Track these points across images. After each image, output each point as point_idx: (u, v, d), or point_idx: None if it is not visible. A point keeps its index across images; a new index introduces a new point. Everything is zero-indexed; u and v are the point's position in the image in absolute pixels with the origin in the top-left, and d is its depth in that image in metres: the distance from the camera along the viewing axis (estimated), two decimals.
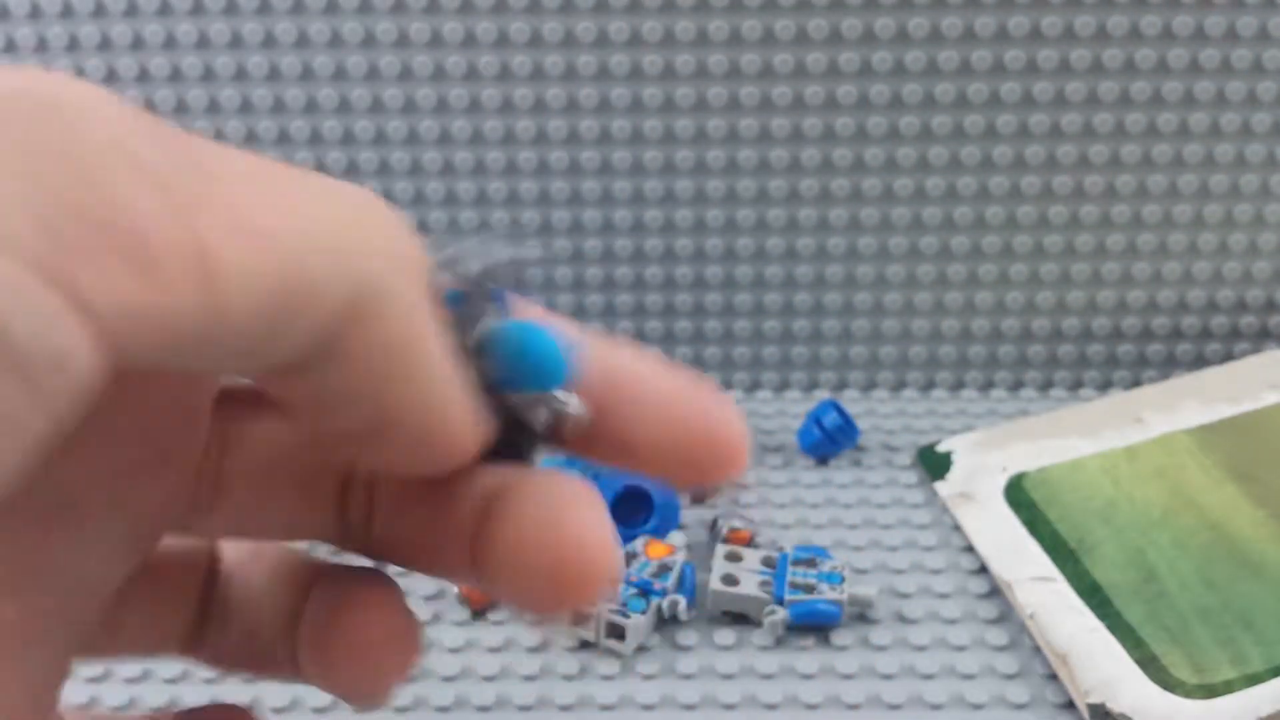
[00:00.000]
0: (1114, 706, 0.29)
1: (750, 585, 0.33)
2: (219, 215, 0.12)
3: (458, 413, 0.14)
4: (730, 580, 0.33)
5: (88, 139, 0.11)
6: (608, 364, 0.16)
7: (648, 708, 0.30)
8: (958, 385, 0.45)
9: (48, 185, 0.11)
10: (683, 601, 0.32)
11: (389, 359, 0.13)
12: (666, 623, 0.33)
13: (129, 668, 0.32)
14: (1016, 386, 0.45)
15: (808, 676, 0.31)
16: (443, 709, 0.30)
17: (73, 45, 0.41)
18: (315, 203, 0.13)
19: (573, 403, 0.15)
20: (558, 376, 0.15)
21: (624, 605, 0.32)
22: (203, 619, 0.17)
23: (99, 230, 0.11)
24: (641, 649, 0.32)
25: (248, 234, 0.12)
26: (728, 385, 0.45)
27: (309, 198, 0.13)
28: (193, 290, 0.11)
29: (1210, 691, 0.29)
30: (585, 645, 0.32)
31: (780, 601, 0.32)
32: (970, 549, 0.36)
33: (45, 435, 0.11)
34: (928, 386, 0.46)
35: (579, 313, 0.44)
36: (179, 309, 0.11)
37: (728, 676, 0.31)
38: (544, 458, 0.15)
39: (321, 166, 0.42)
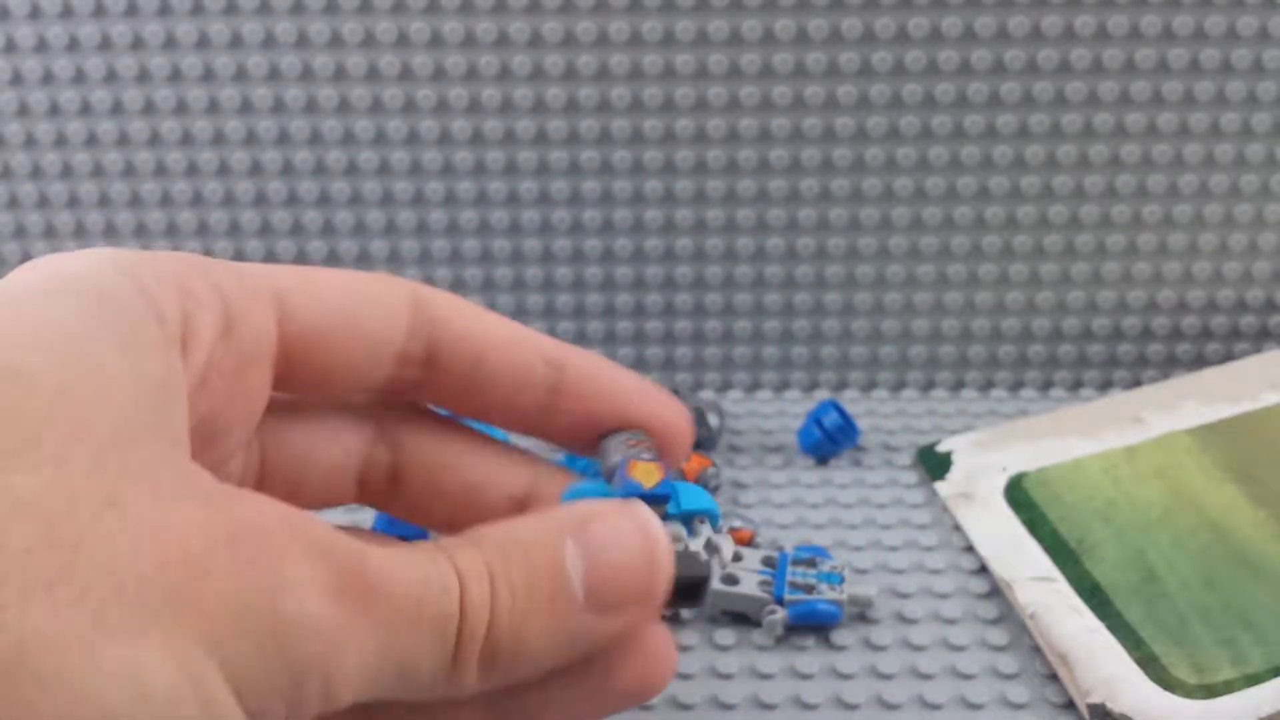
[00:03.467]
0: (1114, 706, 0.29)
1: (750, 585, 0.33)
2: (349, 685, 0.17)
3: None
4: (730, 580, 0.33)
5: (297, 646, 0.17)
6: (589, 364, 0.24)
7: (648, 708, 0.30)
8: (958, 385, 0.46)
9: (275, 685, 0.17)
10: None
11: None
12: (666, 622, 0.33)
13: None
14: (1016, 386, 0.45)
15: (808, 676, 0.31)
16: None
17: (73, 45, 0.41)
18: (417, 644, 0.18)
19: (725, 546, 0.23)
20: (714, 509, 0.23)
21: None
22: None
23: (283, 703, 0.17)
24: None
25: (361, 692, 0.18)
26: (728, 385, 0.45)
27: (412, 642, 0.18)
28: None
29: (1210, 691, 0.29)
30: None
31: (780, 601, 0.32)
32: (970, 549, 0.36)
33: None
34: (928, 386, 0.46)
35: (580, 313, 0.44)
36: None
37: (727, 676, 0.31)
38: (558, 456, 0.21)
39: (321, 167, 0.42)
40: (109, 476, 0.16)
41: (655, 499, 0.22)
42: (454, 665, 0.19)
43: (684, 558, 0.22)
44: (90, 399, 0.17)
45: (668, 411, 0.25)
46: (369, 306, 0.23)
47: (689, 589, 0.23)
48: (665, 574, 0.20)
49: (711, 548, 0.23)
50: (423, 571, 0.18)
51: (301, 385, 0.23)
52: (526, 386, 0.24)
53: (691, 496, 0.23)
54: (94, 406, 0.17)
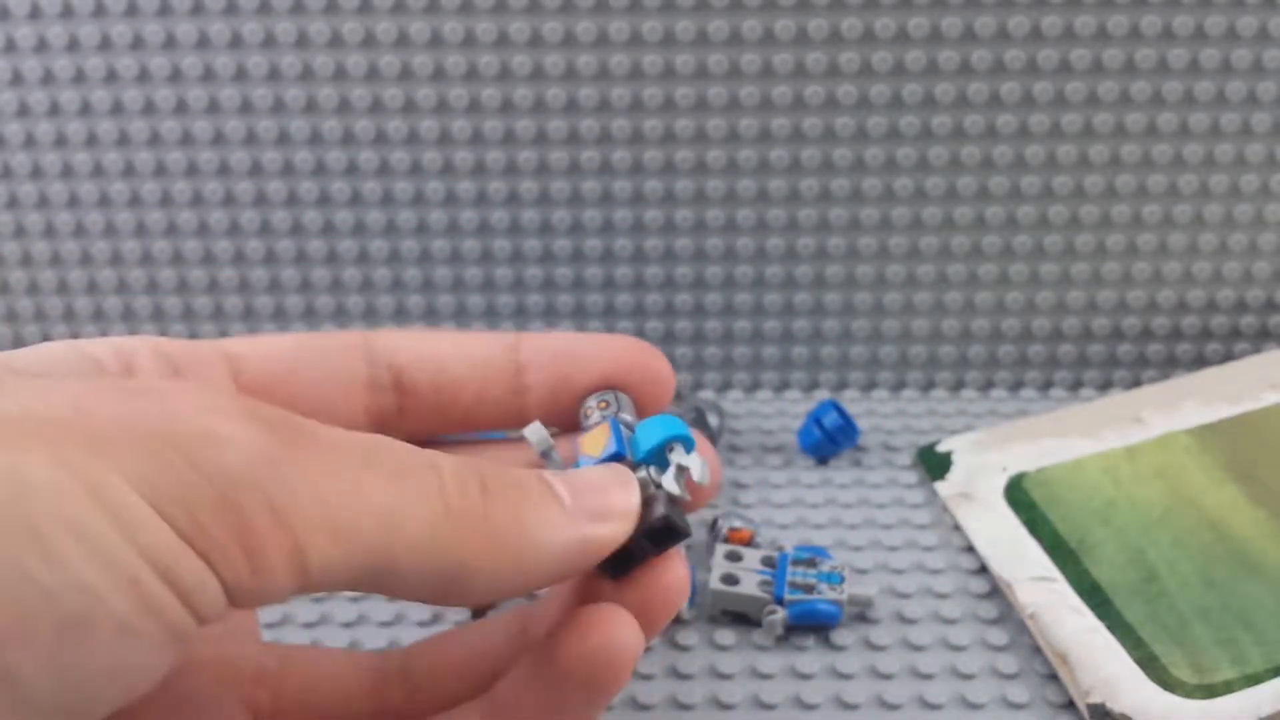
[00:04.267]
0: (1114, 706, 0.29)
1: (750, 585, 0.33)
2: (311, 516, 0.17)
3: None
4: (730, 580, 0.33)
5: (224, 462, 0.16)
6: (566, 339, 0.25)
7: (647, 708, 0.30)
8: (958, 385, 0.46)
9: (199, 498, 0.16)
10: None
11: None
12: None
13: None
14: (1016, 386, 0.45)
15: (808, 676, 0.31)
16: None
17: (73, 45, 0.41)
18: (391, 490, 0.18)
19: (695, 464, 0.22)
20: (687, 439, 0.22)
21: None
22: None
23: (229, 530, 0.16)
24: None
25: (335, 532, 0.17)
26: (728, 385, 0.45)
27: (384, 484, 0.18)
28: (287, 578, 0.17)
29: (1210, 691, 0.29)
30: None
31: (780, 601, 0.32)
32: (970, 549, 0.36)
33: (191, 634, 0.16)
34: (928, 386, 0.46)
35: (580, 313, 0.44)
36: (277, 589, 0.17)
37: (727, 676, 0.31)
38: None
39: (322, 167, 0.42)
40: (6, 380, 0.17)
41: (611, 460, 0.22)
42: (449, 516, 0.18)
43: (648, 499, 0.22)
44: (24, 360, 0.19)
45: (631, 351, 0.25)
46: (318, 347, 0.24)
47: (660, 530, 0.22)
48: (634, 487, 0.21)
49: (683, 471, 0.22)
50: (373, 438, 0.19)
51: None
52: (492, 375, 0.24)
53: (652, 430, 0.22)
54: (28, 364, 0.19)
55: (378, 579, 0.18)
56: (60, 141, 0.42)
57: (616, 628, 0.21)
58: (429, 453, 0.19)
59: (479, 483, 0.19)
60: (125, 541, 0.15)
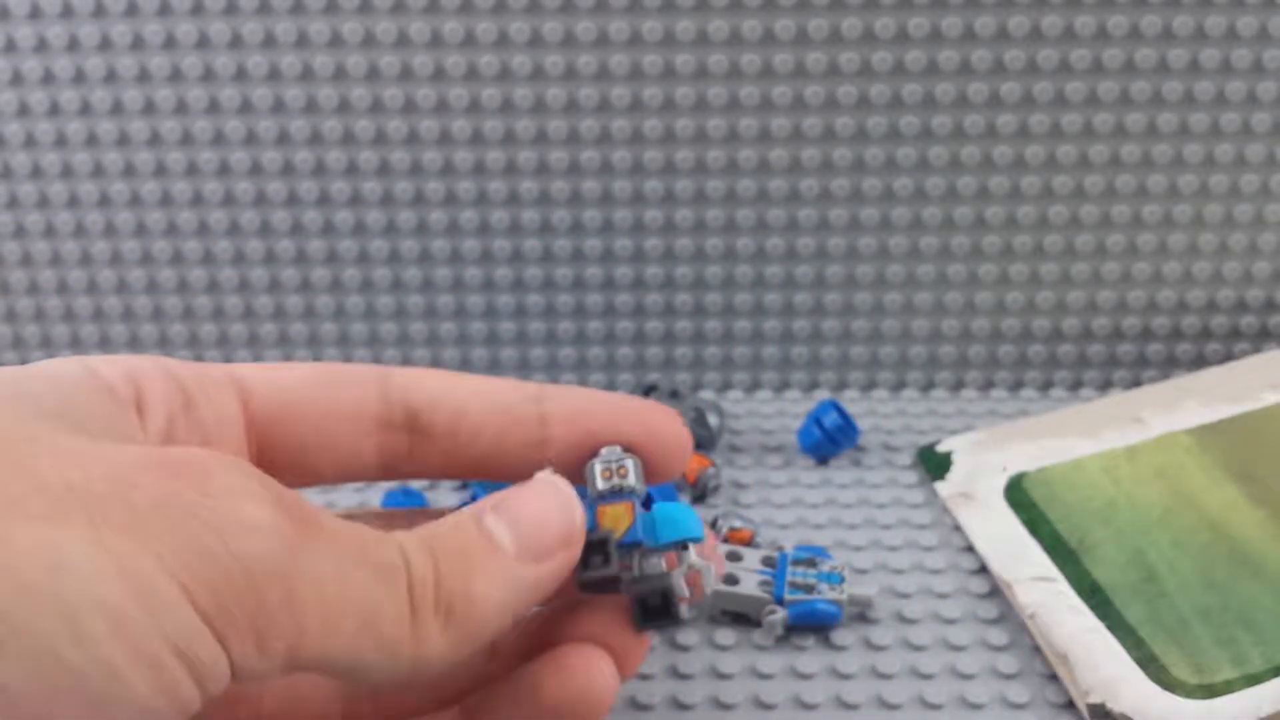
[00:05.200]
0: (1114, 706, 0.29)
1: (750, 585, 0.33)
2: (313, 607, 0.18)
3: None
4: (730, 580, 0.33)
5: (254, 549, 0.17)
6: (588, 401, 0.24)
7: (647, 708, 0.30)
8: (958, 385, 0.46)
9: (227, 581, 0.17)
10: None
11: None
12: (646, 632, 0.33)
13: None
14: (1016, 386, 0.45)
15: (808, 676, 0.31)
16: None
17: (73, 45, 0.41)
18: (374, 591, 0.19)
19: (707, 573, 0.23)
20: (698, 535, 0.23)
21: None
22: None
23: (247, 613, 0.17)
24: None
25: (325, 624, 0.18)
26: (728, 385, 0.45)
27: (367, 583, 0.19)
28: (282, 661, 0.18)
29: (1210, 691, 0.29)
30: None
31: (780, 601, 0.32)
32: (970, 549, 0.36)
33: (195, 710, 0.17)
34: (928, 386, 0.46)
35: (580, 313, 0.44)
36: (269, 671, 0.18)
37: (727, 676, 0.31)
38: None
39: (322, 167, 0.42)
40: (32, 425, 0.18)
41: (629, 546, 0.23)
42: (414, 615, 0.19)
43: (645, 567, 0.22)
44: (32, 389, 0.19)
45: (656, 419, 0.25)
46: (332, 380, 0.24)
47: (656, 605, 0.23)
48: (579, 517, 0.22)
49: (693, 573, 0.23)
50: (359, 529, 0.20)
51: (284, 464, 0.23)
52: (513, 425, 0.24)
53: (672, 525, 0.23)
54: (36, 394, 0.19)
55: (345, 671, 0.19)
56: (60, 141, 0.42)
57: (596, 669, 0.22)
58: (396, 544, 0.20)
59: (433, 569, 0.20)
60: (152, 624, 0.16)
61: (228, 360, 0.45)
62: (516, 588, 0.21)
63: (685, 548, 0.23)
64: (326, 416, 0.23)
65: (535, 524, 0.21)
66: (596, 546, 0.22)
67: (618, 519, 0.23)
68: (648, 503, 0.24)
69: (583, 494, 0.29)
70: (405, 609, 0.19)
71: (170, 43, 0.41)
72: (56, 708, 0.15)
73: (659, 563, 0.22)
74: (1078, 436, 0.39)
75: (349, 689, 0.24)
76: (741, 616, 0.33)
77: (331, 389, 0.24)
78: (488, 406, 0.24)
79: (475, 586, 0.20)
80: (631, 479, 0.23)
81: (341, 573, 0.18)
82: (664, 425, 0.24)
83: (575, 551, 0.22)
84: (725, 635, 0.32)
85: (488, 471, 0.25)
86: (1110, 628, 0.31)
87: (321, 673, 0.19)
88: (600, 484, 0.23)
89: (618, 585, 0.22)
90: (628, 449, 0.24)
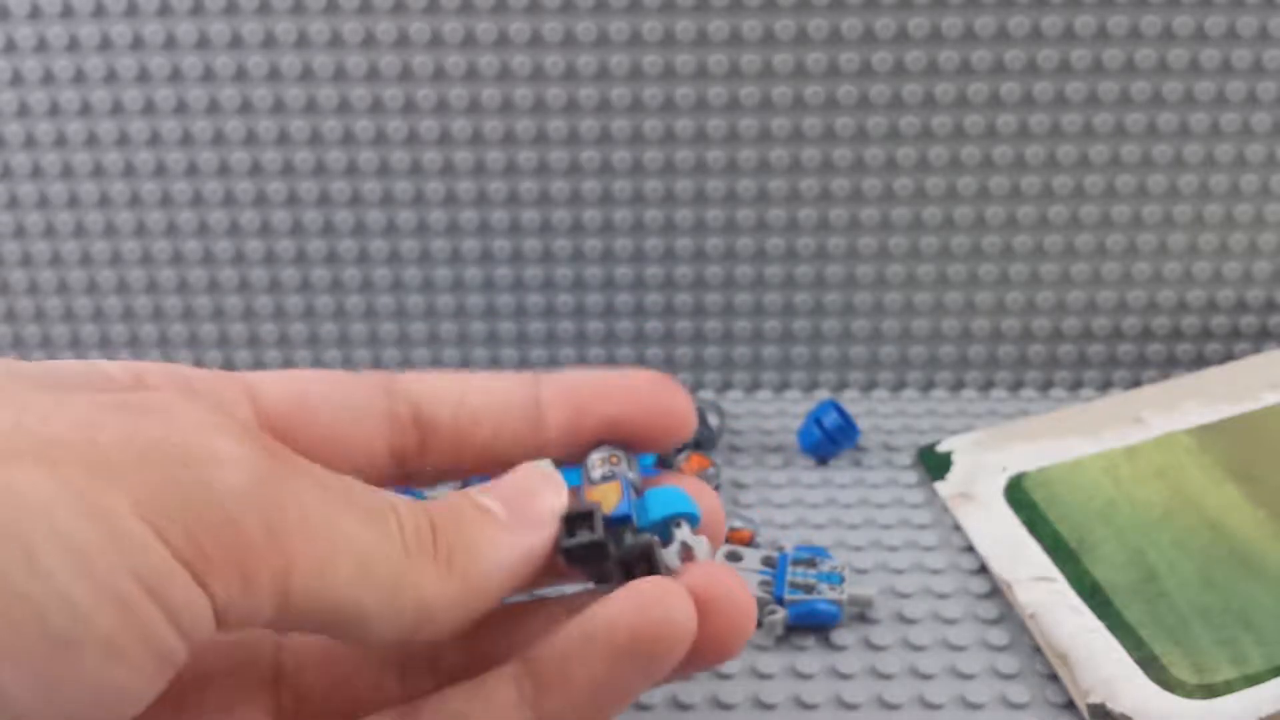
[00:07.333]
0: (1114, 706, 0.29)
1: (750, 585, 0.33)
2: (301, 542, 0.17)
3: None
4: None
5: (226, 481, 0.16)
6: (586, 380, 0.24)
7: (648, 708, 0.30)
8: (958, 385, 0.46)
9: (199, 514, 0.16)
10: None
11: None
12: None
13: None
14: (1016, 386, 0.45)
15: (808, 676, 0.31)
16: None
17: (73, 45, 0.41)
18: (365, 532, 0.18)
19: (700, 546, 0.22)
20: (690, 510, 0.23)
21: None
22: None
23: (225, 547, 0.16)
24: None
25: (319, 562, 0.17)
26: (728, 385, 0.45)
27: (359, 524, 0.18)
28: (272, 599, 0.17)
29: (1210, 691, 0.29)
30: None
31: (780, 601, 0.32)
32: (970, 549, 0.36)
33: (180, 660, 0.16)
34: (928, 386, 0.46)
35: (580, 313, 0.44)
36: (260, 610, 0.17)
37: (727, 676, 0.31)
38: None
39: (322, 167, 0.42)
40: (3, 380, 0.17)
41: (617, 521, 0.22)
42: (409, 559, 0.19)
43: (632, 538, 0.22)
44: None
45: (645, 389, 0.24)
46: (339, 379, 0.24)
47: (587, 547, 0.22)
48: (565, 491, 0.22)
49: (686, 550, 0.22)
50: (345, 477, 0.19)
51: None
52: (512, 410, 0.24)
53: (663, 502, 0.23)
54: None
55: (345, 621, 0.18)
56: (60, 141, 0.42)
57: (677, 599, 0.20)
58: (387, 494, 0.20)
59: (428, 520, 0.20)
60: (118, 560, 0.15)
61: (228, 360, 0.45)
62: (512, 549, 0.20)
63: (678, 524, 0.23)
64: (339, 414, 0.23)
65: (524, 495, 0.21)
66: (583, 518, 0.22)
67: (605, 495, 0.23)
68: (640, 492, 0.24)
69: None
70: (399, 549, 0.19)
71: (170, 43, 0.41)
72: (16, 641, 0.15)
73: (648, 537, 0.22)
74: (1078, 436, 0.39)
75: (384, 654, 0.24)
76: None
77: (340, 386, 0.24)
78: (485, 390, 0.24)
79: (475, 540, 0.20)
80: (624, 467, 0.23)
81: (327, 509, 0.18)
82: (654, 396, 0.24)
83: (556, 523, 0.22)
84: None
85: (494, 457, 0.25)
86: (1110, 628, 0.31)
87: (324, 629, 0.18)
88: (595, 472, 0.23)
89: (605, 554, 0.22)
90: (626, 445, 0.24)
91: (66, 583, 0.15)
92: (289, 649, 0.23)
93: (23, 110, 0.42)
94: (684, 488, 0.24)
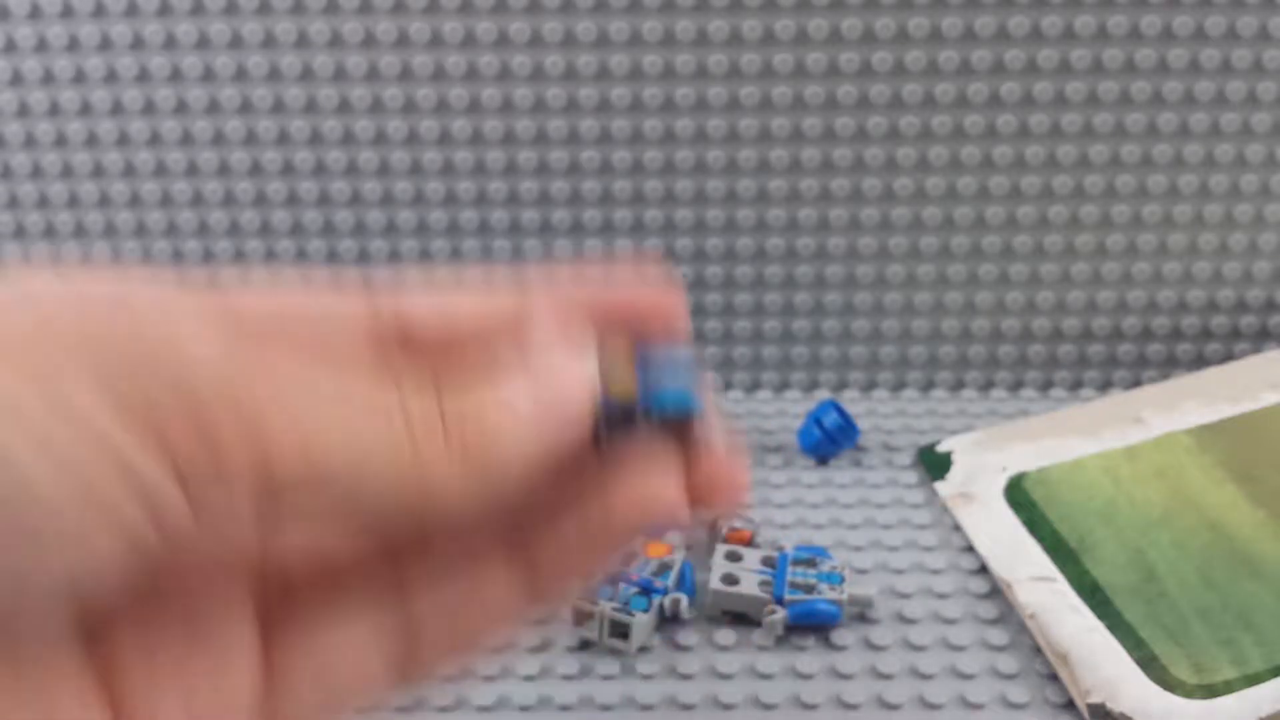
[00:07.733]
0: (1114, 706, 0.29)
1: (750, 585, 0.33)
2: (281, 430, 0.16)
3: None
4: (730, 580, 0.33)
5: (191, 368, 0.16)
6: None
7: (648, 708, 0.30)
8: (958, 385, 0.46)
9: (163, 402, 0.15)
10: (684, 599, 0.32)
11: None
12: (667, 622, 0.33)
13: None
14: (1016, 386, 0.45)
15: (808, 676, 0.31)
16: (443, 709, 0.30)
17: (73, 45, 0.41)
18: (362, 426, 0.17)
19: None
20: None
21: (627, 604, 0.32)
22: None
23: (193, 435, 0.15)
24: (643, 649, 0.32)
25: (305, 450, 0.16)
26: (728, 385, 0.45)
27: (357, 418, 0.17)
28: (251, 488, 0.16)
29: (1210, 691, 0.29)
30: (585, 645, 0.32)
31: (780, 601, 0.32)
32: (970, 549, 0.36)
33: (141, 563, 0.16)
34: (928, 386, 0.46)
35: None
36: (240, 502, 0.16)
37: (727, 676, 0.31)
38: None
39: (322, 167, 0.42)
40: None
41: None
42: (413, 443, 0.18)
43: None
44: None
45: (635, 285, 0.23)
46: (312, 295, 0.23)
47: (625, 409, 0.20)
48: (590, 354, 0.20)
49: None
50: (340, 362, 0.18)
51: None
52: (494, 306, 0.23)
53: (674, 400, 0.22)
54: None
55: (345, 513, 0.17)
56: (60, 141, 0.42)
57: (663, 474, 0.20)
58: (396, 393, 0.18)
59: (437, 407, 0.18)
60: (80, 444, 0.15)
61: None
62: (536, 441, 0.19)
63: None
64: (318, 324, 0.22)
65: (553, 369, 0.20)
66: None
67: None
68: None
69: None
70: (402, 436, 0.17)
71: (170, 43, 0.41)
72: None
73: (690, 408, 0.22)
74: (1078, 436, 0.39)
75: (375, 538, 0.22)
76: (741, 616, 0.33)
77: (309, 296, 0.22)
78: (472, 300, 0.23)
79: (493, 430, 0.18)
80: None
81: (318, 402, 0.17)
82: (640, 294, 0.24)
83: (590, 398, 0.20)
84: (725, 635, 0.32)
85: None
86: (1110, 628, 0.31)
87: (319, 511, 0.17)
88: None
89: (635, 413, 0.21)
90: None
91: (27, 467, 0.14)
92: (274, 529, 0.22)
93: (23, 110, 0.42)
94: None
